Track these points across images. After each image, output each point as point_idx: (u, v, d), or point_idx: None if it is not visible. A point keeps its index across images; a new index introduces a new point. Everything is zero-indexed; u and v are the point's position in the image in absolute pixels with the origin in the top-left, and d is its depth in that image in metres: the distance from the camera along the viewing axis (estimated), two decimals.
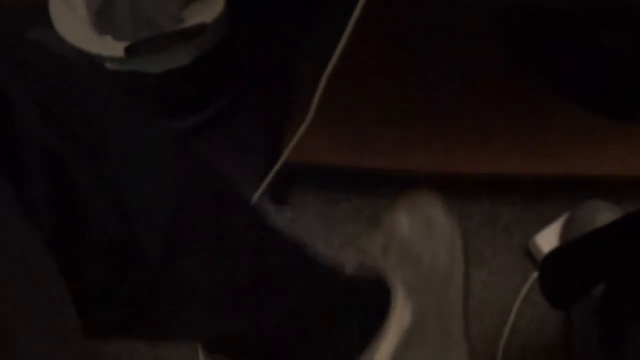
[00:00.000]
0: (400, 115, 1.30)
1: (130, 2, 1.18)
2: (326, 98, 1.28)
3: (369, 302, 0.88)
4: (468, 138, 1.28)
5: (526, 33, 1.39)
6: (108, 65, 1.19)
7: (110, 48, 1.16)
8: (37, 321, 0.48)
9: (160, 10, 1.19)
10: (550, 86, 1.31)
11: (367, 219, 1.36)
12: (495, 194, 1.37)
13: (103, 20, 1.19)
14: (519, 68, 1.34)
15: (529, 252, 1.31)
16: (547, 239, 1.28)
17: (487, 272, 1.30)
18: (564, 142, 1.26)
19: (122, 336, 0.64)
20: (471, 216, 1.35)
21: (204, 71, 1.30)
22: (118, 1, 1.17)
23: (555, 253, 1.16)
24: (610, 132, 1.25)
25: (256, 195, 1.20)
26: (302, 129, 1.12)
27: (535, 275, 1.27)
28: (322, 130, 1.29)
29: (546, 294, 1.18)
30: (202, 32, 1.20)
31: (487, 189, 1.37)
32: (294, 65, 1.30)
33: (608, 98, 1.27)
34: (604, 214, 1.24)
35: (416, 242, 0.99)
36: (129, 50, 1.14)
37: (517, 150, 1.26)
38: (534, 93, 1.31)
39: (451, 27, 1.39)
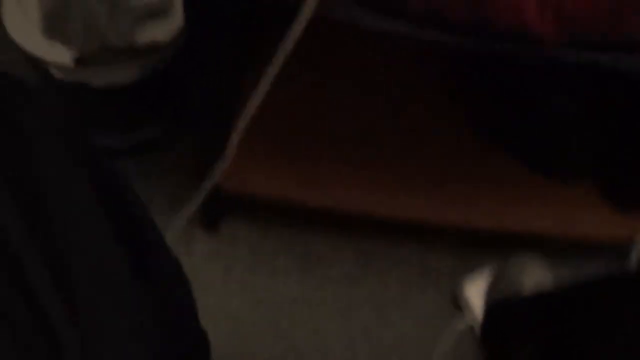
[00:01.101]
0: (338, 151, 1.30)
1: (83, 13, 1.16)
2: (261, 131, 1.28)
3: None
4: (405, 181, 1.28)
5: (465, 78, 1.40)
6: (53, 72, 1.16)
7: (59, 55, 1.13)
8: None
9: (113, 25, 1.17)
10: (485, 136, 1.32)
11: (299, 255, 1.35)
12: (425, 239, 1.38)
13: (53, 26, 1.16)
14: (458, 115, 1.35)
15: (455, 300, 1.32)
16: (474, 289, 1.29)
17: (412, 316, 1.31)
18: (498, 196, 1.28)
19: None
20: (400, 261, 1.36)
21: (149, 91, 1.27)
22: (71, 10, 1.15)
23: (497, 307, 1.18)
24: (545, 190, 1.28)
25: (183, 218, 1.18)
26: (229, 155, 1.11)
27: (459, 326, 1.28)
28: (259, 160, 1.28)
29: (485, 344, 1.19)
30: (153, 51, 1.18)
31: (418, 234, 1.38)
32: (240, 91, 1.29)
33: (546, 156, 1.30)
34: (531, 269, 1.26)
35: None
36: (78, 61, 1.11)
37: (450, 201, 1.27)
38: (478, 143, 1.33)
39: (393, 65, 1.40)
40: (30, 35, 1.13)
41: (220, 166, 1.12)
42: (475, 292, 1.29)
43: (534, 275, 1.24)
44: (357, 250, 1.36)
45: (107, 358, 0.51)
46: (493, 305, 1.20)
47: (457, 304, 1.31)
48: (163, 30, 1.18)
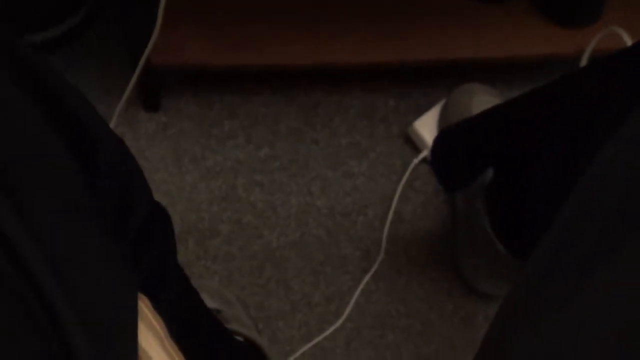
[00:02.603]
0: (267, 9, 1.27)
1: None
2: None
3: None
4: (338, 27, 1.26)
5: None
6: None
7: None
8: None
9: None
10: None
11: (243, 115, 1.33)
12: (369, 85, 1.37)
13: None
14: None
15: (409, 140, 1.32)
16: (426, 125, 1.29)
17: (367, 163, 1.31)
18: (435, 26, 1.26)
19: None
20: (347, 109, 1.35)
21: None
22: None
23: (445, 133, 1.18)
24: (484, 15, 1.26)
25: (121, 102, 1.15)
26: (156, 29, 1.08)
27: (416, 161, 1.29)
28: (190, 29, 1.25)
29: (437, 173, 1.20)
30: None
31: (361, 81, 1.37)
32: None
33: None
34: (479, 97, 1.26)
35: None
36: None
37: (385, 39, 1.25)
38: None
39: None
40: None
41: (149, 41, 1.09)
42: (427, 129, 1.29)
43: (483, 103, 1.24)
44: (301, 105, 1.34)
45: (62, 252, 0.50)
46: (442, 130, 1.20)
47: (412, 145, 1.31)
48: None
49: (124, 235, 0.62)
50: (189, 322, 0.79)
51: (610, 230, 0.51)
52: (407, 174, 1.29)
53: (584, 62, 1.21)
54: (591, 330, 0.50)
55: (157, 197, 0.73)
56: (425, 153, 1.29)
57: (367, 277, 1.23)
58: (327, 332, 1.21)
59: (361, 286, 1.23)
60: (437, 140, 1.16)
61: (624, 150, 0.54)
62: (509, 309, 0.60)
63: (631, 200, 0.51)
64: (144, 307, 0.57)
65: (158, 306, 0.59)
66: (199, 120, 1.33)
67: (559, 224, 0.56)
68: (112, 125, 1.19)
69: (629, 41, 1.15)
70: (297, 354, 1.20)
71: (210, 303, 1.13)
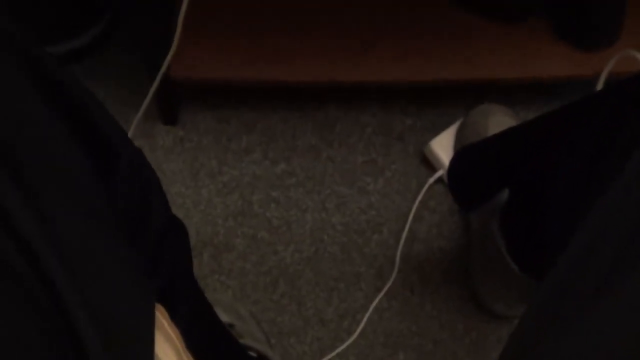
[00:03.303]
0: (286, 25, 1.28)
1: None
2: (204, 10, 1.25)
3: None
4: (353, 45, 1.26)
5: None
6: None
7: None
8: None
9: None
10: None
11: (261, 131, 1.34)
12: (386, 103, 1.37)
13: None
14: None
15: (424, 159, 1.32)
16: (443, 144, 1.29)
17: (383, 181, 1.31)
18: (453, 47, 1.27)
19: None
20: (364, 126, 1.35)
21: None
22: None
23: (462, 153, 1.18)
24: (501, 36, 1.26)
25: (139, 115, 1.16)
26: (175, 42, 1.09)
27: (431, 180, 1.29)
28: (209, 44, 1.26)
29: (453, 192, 1.20)
30: None
31: (378, 99, 1.37)
32: None
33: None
34: (496, 118, 1.26)
35: None
36: None
37: (403, 57, 1.26)
38: None
39: None
40: None
41: (167, 55, 1.10)
42: (443, 148, 1.29)
43: (500, 123, 1.24)
44: (319, 121, 1.35)
45: (80, 259, 0.51)
46: (459, 150, 1.21)
47: (428, 164, 1.32)
48: None
49: (142, 246, 0.63)
50: (204, 334, 0.79)
51: (627, 252, 0.52)
52: (422, 193, 1.29)
53: (600, 84, 1.21)
54: (608, 348, 0.51)
55: (173, 210, 0.74)
56: (441, 172, 1.29)
57: (380, 295, 1.24)
58: (339, 349, 1.21)
59: (374, 304, 1.23)
60: (454, 160, 1.16)
61: None
62: (525, 330, 0.60)
63: None
64: (161, 317, 0.57)
65: (174, 317, 0.59)
66: (216, 134, 1.33)
67: (576, 245, 0.56)
68: (129, 137, 1.19)
69: None
70: None
71: (224, 317, 1.13)
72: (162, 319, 0.57)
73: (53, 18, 1.29)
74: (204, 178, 1.30)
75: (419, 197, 1.29)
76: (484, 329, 1.24)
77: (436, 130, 1.33)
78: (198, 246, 1.25)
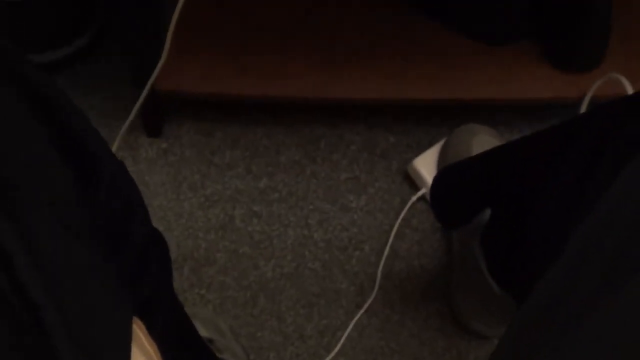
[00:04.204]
0: (274, 41, 1.28)
1: None
2: (193, 24, 1.25)
3: None
4: (343, 62, 1.27)
5: None
6: None
7: None
8: None
9: None
10: (424, 10, 1.31)
11: (244, 145, 1.34)
12: (371, 120, 1.37)
13: None
14: None
15: (407, 177, 1.32)
16: (426, 163, 1.30)
17: (366, 199, 1.31)
18: (438, 66, 1.27)
19: None
20: (348, 143, 1.35)
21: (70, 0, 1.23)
22: None
23: (445, 172, 1.18)
24: (485, 57, 1.27)
25: (124, 126, 1.16)
26: (163, 56, 1.09)
27: (414, 199, 1.29)
28: (195, 58, 1.26)
29: (436, 211, 1.20)
30: None
31: (363, 116, 1.38)
32: None
33: (483, 21, 1.29)
34: (480, 137, 1.26)
35: None
36: None
37: (390, 76, 1.26)
38: (409, 15, 1.31)
39: None
40: None
41: (156, 67, 1.10)
42: (427, 167, 1.29)
43: (483, 143, 1.24)
44: (303, 137, 1.35)
45: (60, 273, 0.50)
46: (442, 169, 1.21)
47: (411, 182, 1.32)
48: None
49: (123, 259, 0.63)
50: (182, 348, 0.79)
51: (613, 270, 0.52)
52: (404, 211, 1.29)
53: (584, 107, 1.22)
54: None
55: (154, 222, 0.73)
56: (423, 191, 1.29)
57: (360, 312, 1.23)
58: None
59: (354, 321, 1.23)
60: (437, 179, 1.16)
61: (628, 193, 0.54)
62: (505, 350, 0.60)
63: (634, 242, 0.52)
64: (138, 330, 0.57)
65: (152, 331, 0.59)
66: (199, 148, 1.33)
67: (559, 267, 0.56)
68: (113, 149, 1.19)
69: (629, 87, 1.16)
70: None
71: (204, 332, 1.13)
72: (139, 333, 0.57)
73: (38, 28, 1.28)
74: (187, 191, 1.30)
75: (401, 215, 1.29)
76: (464, 348, 1.24)
77: (420, 149, 1.33)
78: (179, 259, 1.25)
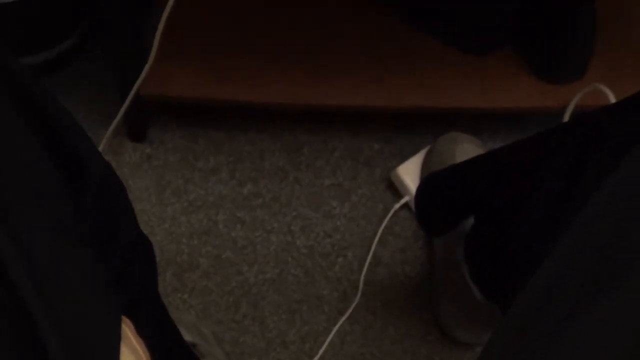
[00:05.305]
0: (260, 47, 1.28)
1: None
2: (179, 29, 1.25)
3: None
4: (327, 69, 1.27)
5: None
6: None
7: None
8: None
9: None
10: (408, 18, 1.32)
11: (228, 151, 1.34)
12: (355, 128, 1.38)
13: None
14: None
15: (391, 184, 1.33)
16: (409, 171, 1.30)
17: (349, 205, 1.31)
18: (423, 75, 1.28)
19: None
20: (332, 150, 1.36)
21: (58, 3, 1.23)
22: None
23: (429, 179, 1.19)
24: (469, 65, 1.28)
25: (109, 131, 1.16)
26: (149, 61, 1.09)
27: (397, 206, 1.30)
28: (181, 63, 1.26)
29: (419, 218, 1.21)
30: None
31: (347, 123, 1.38)
32: None
33: (466, 32, 1.29)
34: (463, 146, 1.27)
35: None
36: None
37: (374, 83, 1.27)
38: (393, 23, 1.32)
39: None
40: None
41: (141, 72, 1.10)
42: (410, 175, 1.30)
43: (467, 151, 1.25)
44: (287, 143, 1.35)
45: (49, 274, 0.50)
46: (426, 176, 1.22)
47: (394, 189, 1.32)
48: None
49: (110, 260, 0.63)
50: (168, 350, 0.79)
51: (598, 277, 0.52)
52: (387, 218, 1.30)
53: (566, 117, 1.23)
54: None
55: None
56: (406, 198, 1.30)
57: (342, 319, 1.23)
58: None
59: (336, 327, 1.23)
60: (421, 186, 1.17)
61: (612, 201, 0.55)
62: (489, 358, 0.60)
63: (618, 249, 0.52)
64: (127, 330, 0.57)
65: (140, 330, 0.59)
66: (183, 153, 1.33)
67: (544, 273, 0.56)
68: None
69: (612, 98, 1.17)
70: None
71: (187, 337, 1.13)
72: (128, 332, 0.57)
73: (21, 31, 1.28)
74: (170, 196, 1.30)
75: (384, 222, 1.29)
76: (447, 356, 1.24)
77: (403, 157, 1.34)
78: (162, 264, 1.25)
